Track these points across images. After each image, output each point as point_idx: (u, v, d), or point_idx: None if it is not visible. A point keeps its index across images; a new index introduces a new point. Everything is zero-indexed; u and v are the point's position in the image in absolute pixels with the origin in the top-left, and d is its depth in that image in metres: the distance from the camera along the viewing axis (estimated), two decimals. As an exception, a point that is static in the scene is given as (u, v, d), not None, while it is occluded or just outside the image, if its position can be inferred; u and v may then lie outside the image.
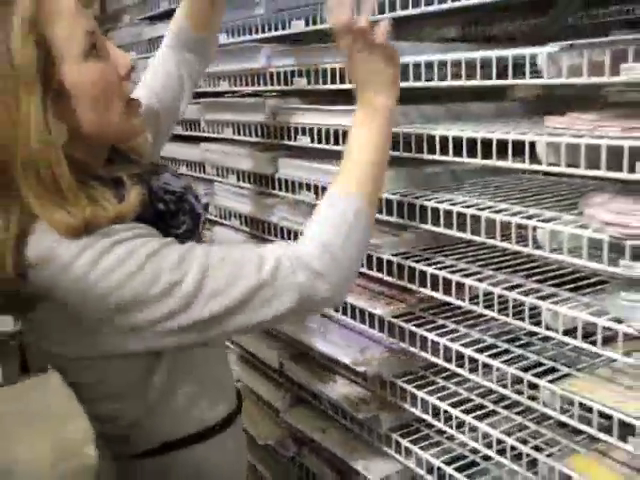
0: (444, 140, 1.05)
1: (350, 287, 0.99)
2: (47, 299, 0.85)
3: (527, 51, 0.91)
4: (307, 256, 0.91)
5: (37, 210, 0.84)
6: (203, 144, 1.83)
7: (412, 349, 1.20)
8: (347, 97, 1.26)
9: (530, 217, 0.97)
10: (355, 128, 1.01)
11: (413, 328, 1.18)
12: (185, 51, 1.33)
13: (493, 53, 0.96)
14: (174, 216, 0.99)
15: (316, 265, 0.90)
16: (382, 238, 1.21)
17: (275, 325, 1.02)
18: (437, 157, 1.08)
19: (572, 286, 1.01)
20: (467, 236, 1.05)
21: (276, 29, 1.43)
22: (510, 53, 0.94)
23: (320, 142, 1.33)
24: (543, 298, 0.98)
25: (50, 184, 0.84)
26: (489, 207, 1.04)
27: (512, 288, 1.01)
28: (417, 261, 1.16)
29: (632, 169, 0.81)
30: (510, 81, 0.94)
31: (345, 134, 1.22)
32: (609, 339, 0.89)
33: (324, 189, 1.30)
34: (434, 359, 1.17)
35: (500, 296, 1.02)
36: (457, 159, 1.04)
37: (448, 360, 1.14)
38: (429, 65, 1.07)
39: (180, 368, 0.98)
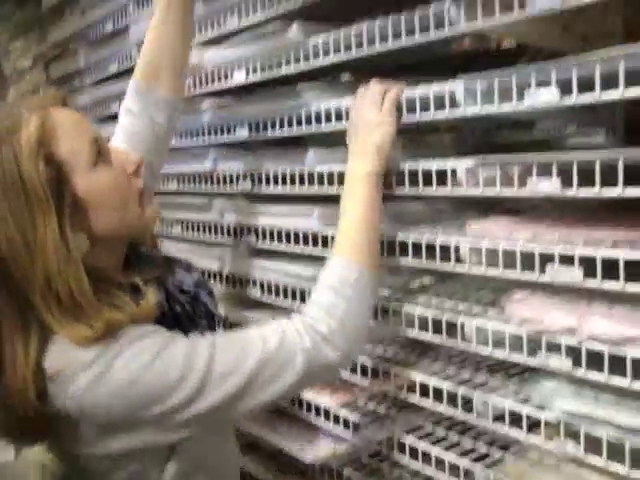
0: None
1: (358, 352, 1.04)
2: (68, 410, 0.87)
3: (449, 164, 1.02)
4: (312, 320, 0.95)
5: (56, 327, 0.87)
6: (153, 240, 1.88)
7: (356, 440, 1.25)
8: (290, 200, 1.36)
9: (458, 312, 1.05)
10: (344, 197, 1.07)
11: (357, 419, 1.24)
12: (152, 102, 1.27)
13: (420, 164, 1.06)
14: (191, 319, 1.03)
15: (322, 329, 0.94)
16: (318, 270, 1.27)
17: (291, 394, 1.05)
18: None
19: (503, 373, 1.09)
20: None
21: (222, 134, 1.52)
22: (434, 165, 1.04)
23: (265, 240, 1.40)
24: (475, 387, 1.05)
25: (69, 302, 0.86)
26: (423, 303, 1.12)
27: (446, 378, 1.09)
28: None
29: (543, 270, 0.91)
30: (434, 191, 1.04)
31: (289, 234, 1.32)
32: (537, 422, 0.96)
33: (276, 287, 1.37)
34: (377, 447, 1.22)
35: (435, 387, 1.09)
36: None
37: (391, 448, 1.20)
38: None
39: (194, 457, 0.99)
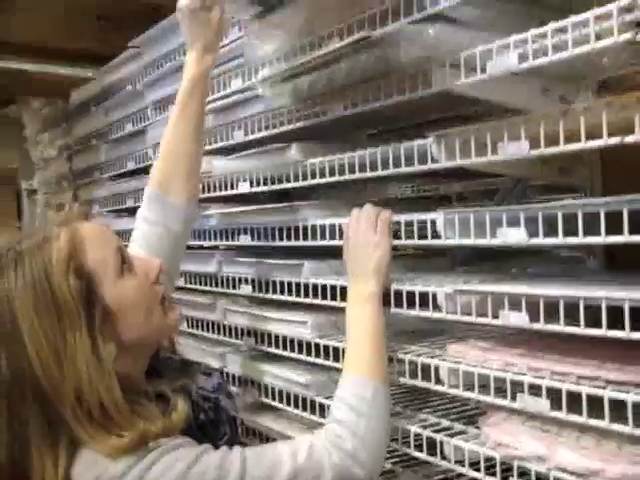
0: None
1: (381, 467, 1.05)
2: None
3: (431, 289, 1.08)
4: (338, 439, 0.98)
5: (85, 440, 0.87)
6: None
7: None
8: (289, 305, 1.42)
9: (438, 431, 1.09)
10: (351, 317, 1.13)
11: None
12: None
13: (404, 287, 1.12)
14: (215, 426, 1.04)
15: (348, 446, 0.97)
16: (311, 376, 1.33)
17: None
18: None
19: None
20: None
21: (226, 239, 1.60)
22: (417, 289, 1.10)
23: (263, 343, 1.46)
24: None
25: (100, 415, 0.87)
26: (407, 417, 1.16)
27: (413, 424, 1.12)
28: None
29: (514, 397, 0.95)
30: (416, 313, 1.10)
31: (285, 340, 1.38)
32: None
33: (272, 390, 1.42)
34: None
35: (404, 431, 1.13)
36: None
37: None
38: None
39: None
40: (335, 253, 1.34)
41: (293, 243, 1.38)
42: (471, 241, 1.01)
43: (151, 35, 1.88)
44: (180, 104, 1.30)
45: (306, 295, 1.34)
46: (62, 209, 2.77)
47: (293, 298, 1.38)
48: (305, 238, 1.34)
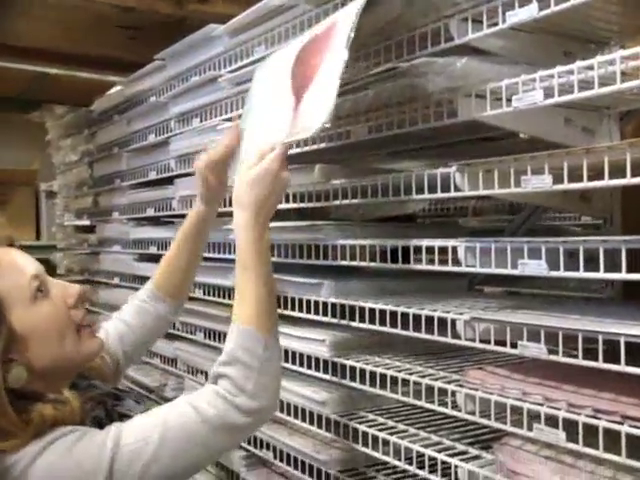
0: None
1: (274, 410, 1.08)
2: None
3: (450, 315, 1.09)
4: (227, 394, 0.98)
5: None
6: (177, 343, 1.97)
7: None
8: (311, 323, 1.44)
9: (453, 455, 1.10)
10: (239, 249, 1.10)
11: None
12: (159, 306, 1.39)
13: (423, 311, 1.14)
14: None
15: (236, 401, 0.98)
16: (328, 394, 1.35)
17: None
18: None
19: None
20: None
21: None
22: (436, 314, 1.12)
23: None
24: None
25: None
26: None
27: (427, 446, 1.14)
28: (351, 418, 1.29)
29: (530, 427, 0.96)
30: (434, 337, 1.12)
31: (302, 357, 1.40)
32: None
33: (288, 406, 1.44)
34: None
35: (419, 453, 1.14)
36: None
37: None
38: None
39: None
40: (354, 272, 1.36)
41: (313, 262, 1.40)
42: (491, 270, 1.02)
43: (176, 49, 1.91)
44: (177, 243, 1.39)
45: (324, 314, 1.36)
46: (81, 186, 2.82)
47: (311, 316, 1.40)
48: (325, 257, 1.36)
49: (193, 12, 2.24)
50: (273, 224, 1.53)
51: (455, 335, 1.09)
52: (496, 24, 1.01)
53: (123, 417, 1.07)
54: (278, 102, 1.19)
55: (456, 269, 1.08)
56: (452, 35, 1.06)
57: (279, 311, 1.49)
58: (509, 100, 0.99)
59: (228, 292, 1.72)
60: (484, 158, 1.03)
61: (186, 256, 1.38)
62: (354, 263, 1.29)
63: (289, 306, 1.47)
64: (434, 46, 1.10)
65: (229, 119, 1.69)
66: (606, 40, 1.23)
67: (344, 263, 1.31)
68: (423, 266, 1.14)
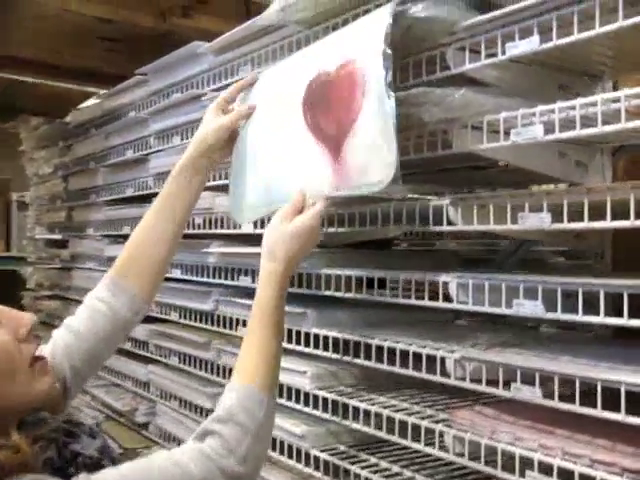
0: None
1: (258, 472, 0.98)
2: None
3: (439, 353, 1.05)
4: (215, 455, 0.90)
5: None
6: (150, 366, 1.91)
7: None
8: (292, 353, 1.39)
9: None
10: (257, 302, 1.05)
11: None
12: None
13: (411, 347, 1.10)
14: None
15: (223, 463, 0.90)
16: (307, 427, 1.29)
17: None
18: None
19: None
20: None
21: (225, 278, 1.58)
22: (425, 351, 1.08)
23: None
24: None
25: None
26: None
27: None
28: (332, 454, 1.24)
29: (522, 474, 0.93)
30: (422, 375, 1.08)
31: (282, 389, 1.35)
32: None
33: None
34: None
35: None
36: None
37: None
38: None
39: None
40: (338, 301, 1.32)
41: (296, 290, 1.36)
42: (484, 308, 0.99)
43: (159, 64, 1.87)
44: (162, 198, 1.23)
45: (307, 344, 1.31)
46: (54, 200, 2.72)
47: (293, 346, 1.36)
48: (309, 287, 1.31)
49: (176, 26, 2.21)
50: (252, 250, 1.49)
51: (444, 373, 1.05)
52: (494, 55, 0.98)
53: (77, 457, 0.97)
54: (296, 141, 1.13)
55: (447, 306, 1.04)
56: (448, 64, 1.04)
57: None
58: (507, 133, 0.96)
59: (205, 316, 1.67)
60: (469, 185, 1.00)
61: (165, 223, 1.20)
62: (338, 294, 1.25)
63: (284, 338, 1.42)
64: (429, 75, 1.07)
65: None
66: (599, 74, 1.22)
67: (328, 293, 1.27)
68: (412, 301, 1.11)
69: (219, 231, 1.59)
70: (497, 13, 0.95)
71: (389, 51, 0.95)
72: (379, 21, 0.97)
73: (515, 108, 0.97)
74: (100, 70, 2.67)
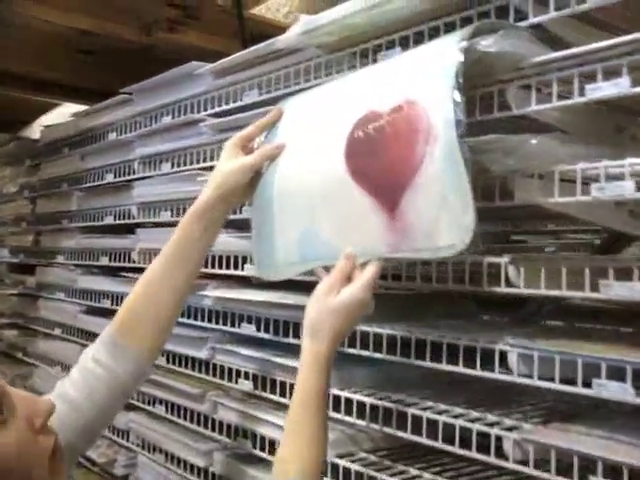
0: None
1: None
2: None
3: (493, 431, 0.92)
4: None
5: None
6: (132, 414, 1.74)
7: None
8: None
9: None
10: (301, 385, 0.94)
11: None
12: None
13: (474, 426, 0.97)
14: None
15: None
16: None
17: None
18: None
19: None
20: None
21: (224, 324, 1.42)
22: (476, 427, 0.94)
23: (255, 447, 1.29)
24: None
25: None
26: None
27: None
28: (378, 470, 1.08)
29: None
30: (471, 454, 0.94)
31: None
32: None
33: None
34: None
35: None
36: None
37: None
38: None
39: None
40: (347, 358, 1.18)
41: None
42: (555, 386, 0.86)
43: (148, 84, 1.70)
44: (171, 247, 1.08)
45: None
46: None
47: None
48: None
49: (160, 41, 2.05)
50: (256, 296, 1.34)
51: (500, 454, 0.92)
52: (565, 97, 0.86)
53: None
54: (335, 189, 0.98)
55: (506, 378, 0.91)
56: (508, 103, 0.91)
57: (271, 397, 1.30)
58: (585, 185, 0.83)
59: (199, 364, 1.51)
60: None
61: (173, 276, 1.06)
62: (365, 353, 1.11)
63: (277, 390, 1.27)
64: (483, 114, 0.94)
65: (209, 168, 1.50)
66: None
67: (353, 352, 1.13)
68: (460, 368, 0.97)
69: (218, 271, 1.43)
70: (578, 50, 0.83)
71: (460, 97, 0.81)
72: (446, 57, 0.84)
73: (587, 157, 0.86)
74: (72, 83, 2.50)
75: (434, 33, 1.03)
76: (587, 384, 0.83)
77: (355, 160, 0.95)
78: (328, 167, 0.98)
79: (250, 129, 1.11)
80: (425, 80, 0.88)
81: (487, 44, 0.83)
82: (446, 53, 0.85)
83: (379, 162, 0.92)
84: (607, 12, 0.94)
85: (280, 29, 2.04)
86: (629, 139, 1.08)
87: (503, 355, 0.92)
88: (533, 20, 0.91)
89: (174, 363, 1.58)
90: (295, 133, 1.08)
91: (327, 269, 0.98)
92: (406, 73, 0.93)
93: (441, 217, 0.84)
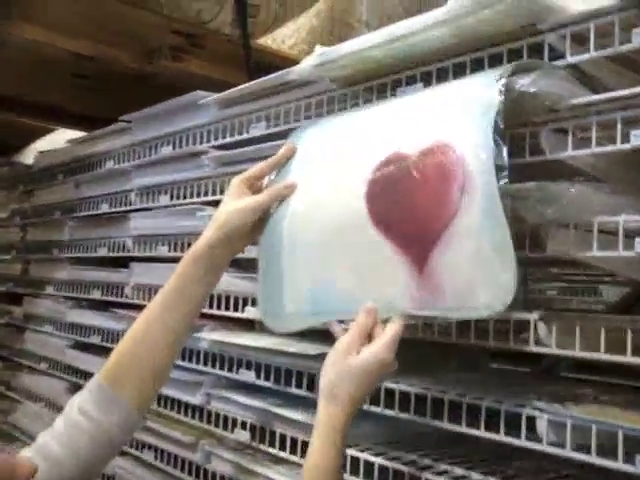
0: None
1: None
2: None
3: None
4: None
5: None
6: (120, 459, 1.64)
7: None
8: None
9: None
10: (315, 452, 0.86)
11: None
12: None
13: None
14: None
15: None
16: None
17: None
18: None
19: None
20: None
21: (221, 368, 1.34)
22: None
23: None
24: None
25: None
26: None
27: None
28: None
29: None
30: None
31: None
32: None
33: None
34: None
35: None
36: None
37: None
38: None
39: None
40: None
41: (303, 393, 1.15)
42: (590, 458, 0.78)
43: (148, 112, 1.64)
44: (169, 291, 0.98)
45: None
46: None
47: (297, 459, 1.14)
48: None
49: (163, 69, 1.98)
50: (256, 342, 1.26)
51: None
52: (600, 143, 0.80)
53: None
54: (354, 237, 0.90)
55: (535, 447, 0.83)
56: (542, 147, 0.84)
57: (270, 450, 1.21)
58: (629, 238, 0.76)
59: (192, 410, 1.42)
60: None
61: (170, 322, 0.97)
62: (375, 409, 1.03)
63: (277, 443, 1.19)
64: (514, 157, 0.87)
65: (210, 203, 1.42)
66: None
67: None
68: (481, 432, 0.89)
69: (216, 312, 1.35)
70: (622, 93, 0.77)
71: (501, 142, 0.74)
72: (484, 96, 0.77)
73: (627, 207, 0.79)
74: (68, 108, 2.43)
75: (458, 70, 0.97)
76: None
77: (378, 206, 0.87)
78: (347, 211, 0.90)
79: (260, 166, 1.03)
80: (460, 121, 0.80)
81: (525, 83, 0.77)
82: (483, 92, 0.78)
83: (406, 211, 0.84)
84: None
85: (287, 60, 1.99)
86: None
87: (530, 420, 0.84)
88: (570, 60, 0.84)
89: (165, 407, 1.49)
90: (309, 171, 1.00)
91: (343, 323, 0.90)
92: (437, 112, 0.86)
93: (476, 275, 0.76)
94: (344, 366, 0.85)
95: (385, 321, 0.85)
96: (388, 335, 0.84)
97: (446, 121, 0.83)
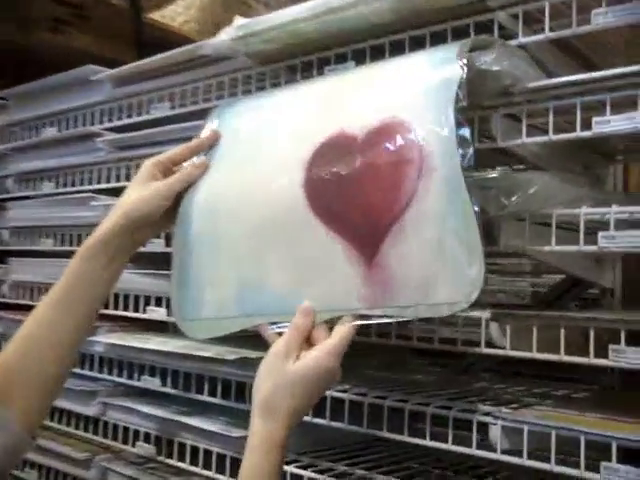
0: None
1: None
2: None
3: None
4: None
5: None
6: None
7: None
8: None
9: None
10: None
11: None
12: None
13: None
14: None
15: None
16: None
17: None
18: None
19: None
20: None
21: (119, 375, 1.21)
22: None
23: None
24: None
25: None
26: None
27: None
28: None
29: None
30: None
31: None
32: None
33: None
34: None
35: None
36: None
37: None
38: None
39: None
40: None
41: (217, 401, 1.04)
42: (551, 466, 0.73)
43: (29, 88, 1.46)
44: (62, 289, 0.85)
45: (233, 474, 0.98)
46: None
47: (212, 474, 1.03)
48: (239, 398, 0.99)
49: (42, 41, 1.79)
50: (159, 346, 1.14)
51: None
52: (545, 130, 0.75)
53: None
54: (291, 226, 0.80)
55: (487, 455, 0.77)
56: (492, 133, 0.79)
57: (182, 465, 1.10)
58: (591, 234, 0.72)
59: (86, 422, 1.27)
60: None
61: (64, 324, 0.83)
62: (319, 421, 0.94)
63: (187, 458, 1.07)
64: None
65: (103, 191, 1.28)
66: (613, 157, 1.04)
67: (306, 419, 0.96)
68: (426, 442, 0.82)
69: (119, 312, 1.22)
70: (583, 77, 0.72)
71: (464, 121, 0.67)
72: (444, 71, 0.69)
73: (581, 199, 0.75)
74: None
75: (395, 49, 0.89)
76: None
77: (318, 193, 0.77)
78: (282, 200, 0.80)
79: (180, 149, 0.91)
80: (415, 97, 0.72)
81: (487, 60, 0.70)
82: (442, 67, 0.70)
83: (352, 197, 0.74)
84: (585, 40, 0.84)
85: (180, 37, 1.86)
86: (595, 179, 1.00)
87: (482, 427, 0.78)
88: (522, 40, 0.79)
89: (53, 419, 1.33)
90: (238, 155, 0.88)
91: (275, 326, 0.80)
92: (387, 88, 0.77)
93: (437, 268, 0.68)
94: (282, 376, 0.75)
95: (329, 322, 0.76)
96: (335, 339, 0.75)
97: (399, 97, 0.75)
